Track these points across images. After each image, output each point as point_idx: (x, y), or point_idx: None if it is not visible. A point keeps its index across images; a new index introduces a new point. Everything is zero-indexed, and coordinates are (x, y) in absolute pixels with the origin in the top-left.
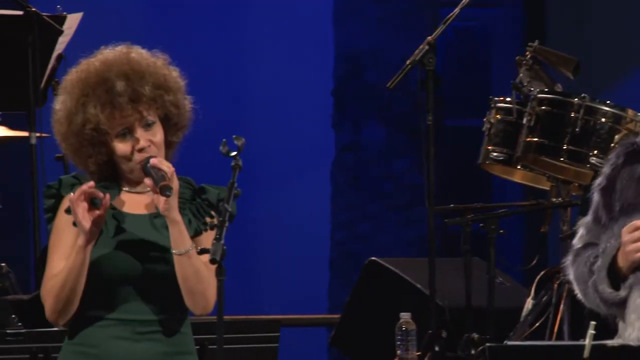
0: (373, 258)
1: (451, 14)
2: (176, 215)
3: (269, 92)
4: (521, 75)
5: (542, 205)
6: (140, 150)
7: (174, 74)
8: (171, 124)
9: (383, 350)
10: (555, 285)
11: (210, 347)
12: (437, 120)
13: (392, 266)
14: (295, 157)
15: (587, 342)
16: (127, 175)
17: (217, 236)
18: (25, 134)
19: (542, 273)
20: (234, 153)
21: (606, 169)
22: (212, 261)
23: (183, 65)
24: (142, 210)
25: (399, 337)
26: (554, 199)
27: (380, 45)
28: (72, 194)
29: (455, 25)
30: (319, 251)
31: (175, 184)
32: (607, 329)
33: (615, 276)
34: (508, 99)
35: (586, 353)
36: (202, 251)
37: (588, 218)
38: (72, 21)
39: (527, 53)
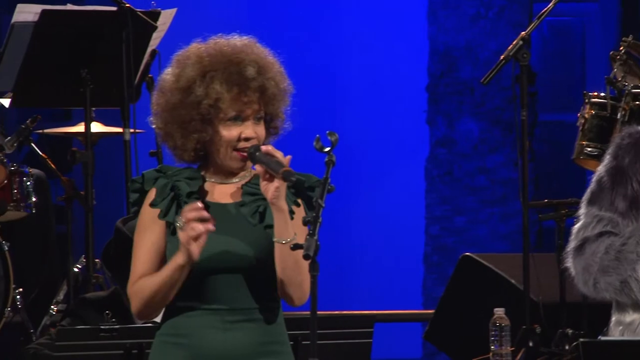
0: (467, 253)
1: (545, 9)
2: (283, 204)
3: (363, 88)
4: (615, 70)
5: None
6: (247, 139)
7: (287, 82)
8: (270, 126)
9: (477, 345)
10: None
11: (304, 342)
12: (531, 115)
13: (486, 261)
14: (389, 152)
15: None
16: (219, 163)
17: (311, 232)
18: (119, 130)
19: None
20: (327, 149)
21: (613, 158)
22: (306, 257)
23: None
24: (227, 200)
25: (493, 333)
26: None
27: (474, 40)
28: (190, 205)
29: (549, 20)
30: (413, 246)
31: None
32: None
33: None
34: (602, 94)
35: None
36: (296, 247)
37: (596, 207)
38: (166, 17)
39: (622, 48)
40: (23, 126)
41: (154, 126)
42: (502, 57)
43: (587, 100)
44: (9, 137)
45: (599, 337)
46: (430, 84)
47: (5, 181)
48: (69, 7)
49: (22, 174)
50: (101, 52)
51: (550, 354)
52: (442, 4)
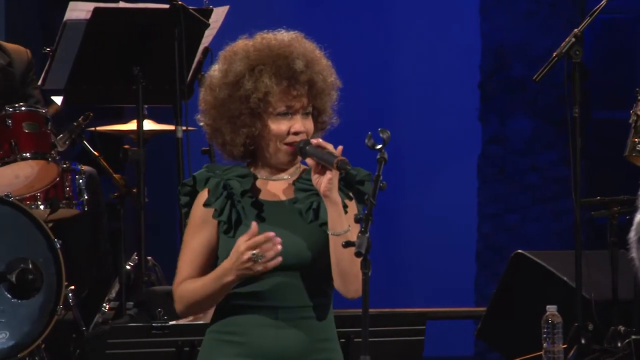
0: (519, 251)
1: (598, 6)
2: (336, 196)
3: (415, 85)
4: None
5: None
6: (296, 133)
7: (334, 76)
8: (318, 121)
9: (529, 343)
10: None
11: (356, 339)
12: (584, 113)
13: (538, 259)
14: (441, 149)
15: None
16: (268, 158)
17: (363, 229)
18: (171, 127)
19: None
20: (379, 146)
21: None
22: (358, 254)
23: (329, 57)
24: (280, 197)
25: (545, 330)
26: None
27: (527, 37)
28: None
29: (602, 18)
30: (465, 243)
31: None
32: None
33: None
34: None
35: None
36: (348, 244)
37: None
38: (219, 14)
39: None
40: (75, 124)
41: (201, 123)
42: (554, 54)
43: (639, 98)
44: (60, 135)
45: None
46: (482, 81)
47: (57, 179)
48: (121, 4)
49: (74, 171)
50: (153, 50)
51: (602, 351)
52: (494, 1)
